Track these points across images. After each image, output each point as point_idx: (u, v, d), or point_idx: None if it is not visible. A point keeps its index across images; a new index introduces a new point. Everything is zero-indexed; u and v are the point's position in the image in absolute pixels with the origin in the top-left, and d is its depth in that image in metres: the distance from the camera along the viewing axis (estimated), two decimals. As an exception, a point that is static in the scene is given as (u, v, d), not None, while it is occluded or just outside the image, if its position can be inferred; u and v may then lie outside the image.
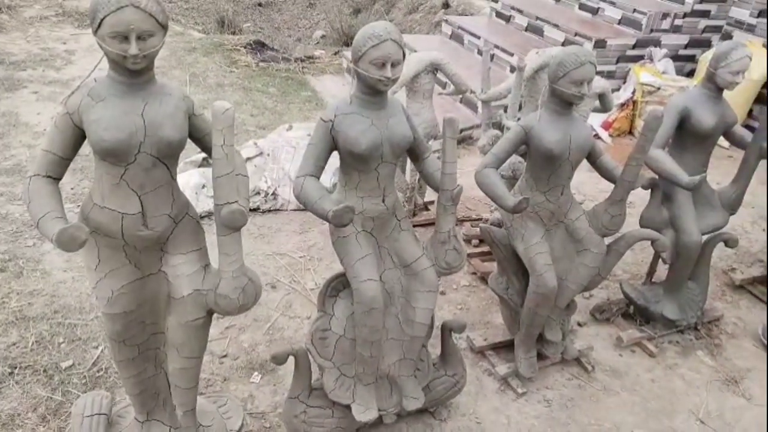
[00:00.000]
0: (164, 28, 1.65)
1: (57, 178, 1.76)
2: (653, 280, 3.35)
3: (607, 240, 2.65)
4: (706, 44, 6.15)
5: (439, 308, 3.33)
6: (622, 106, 5.59)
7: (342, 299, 2.35)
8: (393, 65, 1.98)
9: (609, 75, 5.85)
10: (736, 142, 3.03)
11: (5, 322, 2.86)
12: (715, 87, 2.81)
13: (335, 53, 8.02)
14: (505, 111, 3.33)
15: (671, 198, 2.97)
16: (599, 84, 3.17)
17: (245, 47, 7.63)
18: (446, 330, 2.50)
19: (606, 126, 5.59)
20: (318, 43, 9.81)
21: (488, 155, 2.54)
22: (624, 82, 5.88)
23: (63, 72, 6.31)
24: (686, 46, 6.08)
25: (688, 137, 2.88)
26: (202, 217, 3.95)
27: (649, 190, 3.03)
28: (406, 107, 3.67)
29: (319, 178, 2.12)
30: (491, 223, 3.68)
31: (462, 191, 2.21)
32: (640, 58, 5.84)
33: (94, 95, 1.68)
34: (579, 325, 3.26)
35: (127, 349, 1.99)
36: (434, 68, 3.47)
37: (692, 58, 6.09)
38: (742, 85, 4.93)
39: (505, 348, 2.98)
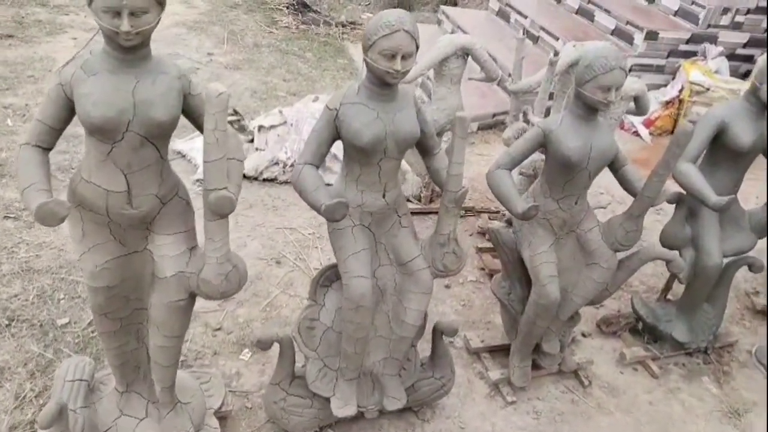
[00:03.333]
0: (160, 4, 1.59)
1: (47, 148, 1.73)
2: (668, 297, 3.20)
3: (621, 254, 2.52)
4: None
5: (442, 302, 3.27)
6: (667, 103, 5.32)
7: (334, 290, 2.30)
8: (404, 57, 1.87)
9: (658, 69, 5.56)
10: (776, 162, 2.83)
11: (11, 273, 2.91)
12: (758, 102, 2.60)
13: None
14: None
15: (696, 215, 2.80)
16: (635, 86, 2.98)
17: (288, 7, 7.50)
18: (437, 332, 2.43)
19: (647, 124, 5.34)
20: (369, 4, 9.50)
21: (503, 155, 2.43)
22: (673, 78, 5.58)
23: (103, 18, 6.31)
24: (745, 45, 5.72)
25: (722, 153, 2.70)
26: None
27: (675, 205, 2.87)
28: (433, 91, 3.58)
29: (319, 166, 2.06)
30: (507, 219, 3.57)
31: (467, 193, 2.11)
32: (693, 54, 5.52)
33: (86, 68, 1.63)
34: (583, 335, 3.15)
35: (109, 322, 1.98)
36: (465, 53, 3.32)
37: (750, 59, 5.74)
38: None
39: (502, 352, 2.90)
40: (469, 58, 3.41)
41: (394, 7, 8.80)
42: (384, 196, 2.11)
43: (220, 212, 1.73)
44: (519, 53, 3.20)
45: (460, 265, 2.24)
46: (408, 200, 3.99)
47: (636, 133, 5.33)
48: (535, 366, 2.79)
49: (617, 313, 3.25)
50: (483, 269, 3.55)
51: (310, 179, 1.96)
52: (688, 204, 2.80)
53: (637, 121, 5.31)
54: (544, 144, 2.35)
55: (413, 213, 3.96)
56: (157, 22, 1.60)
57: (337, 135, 2.02)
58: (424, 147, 2.24)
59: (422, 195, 3.93)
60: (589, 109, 2.26)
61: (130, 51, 1.61)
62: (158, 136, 1.71)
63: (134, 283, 1.95)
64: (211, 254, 1.82)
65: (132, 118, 1.63)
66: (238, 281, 1.92)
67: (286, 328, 2.84)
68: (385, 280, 2.25)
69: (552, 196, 2.42)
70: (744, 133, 2.61)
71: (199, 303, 2.97)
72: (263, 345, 2.24)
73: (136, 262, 1.90)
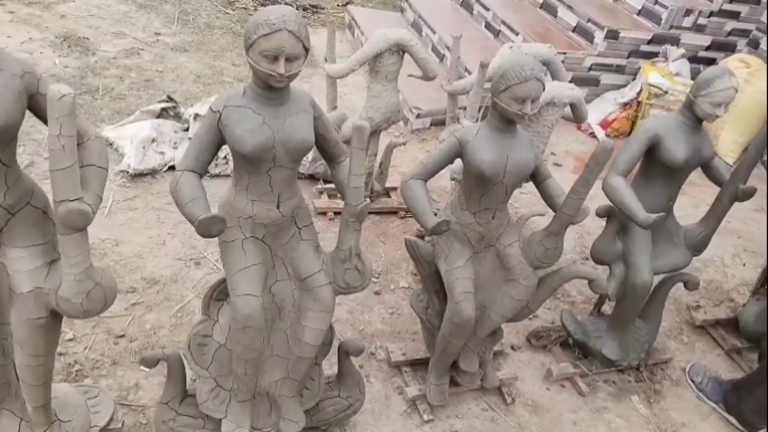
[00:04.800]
0: None
1: None
2: (601, 310, 3.09)
3: (543, 271, 2.40)
4: (731, 48, 5.68)
5: (369, 309, 3.13)
6: (625, 105, 5.20)
7: (228, 305, 2.14)
8: (288, 60, 1.70)
9: (618, 69, 5.44)
10: (713, 178, 2.72)
11: None
12: (693, 116, 2.48)
13: (344, 4, 7.57)
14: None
15: (627, 230, 2.68)
16: (569, 93, 2.83)
17: (248, -13, 7.22)
18: (342, 351, 2.28)
19: (604, 125, 5.22)
20: None
21: (417, 165, 2.28)
22: (633, 79, 5.46)
23: (47, -8, 6.00)
24: (708, 48, 5.62)
25: (656, 167, 2.58)
26: (144, 174, 3.74)
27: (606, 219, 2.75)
28: (368, 88, 3.40)
29: (202, 174, 1.89)
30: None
31: (369, 207, 1.96)
32: (654, 55, 5.40)
33: None
34: (512, 348, 3.03)
35: (-34, 339, 1.81)
36: (400, 49, 3.14)
37: (712, 62, 5.64)
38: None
39: (424, 366, 2.76)
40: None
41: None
42: (278, 207, 1.95)
43: (72, 226, 1.56)
44: (455, 53, 3.04)
45: (364, 282, 2.09)
46: (345, 199, 3.82)
47: (592, 135, 5.21)
48: (456, 383, 2.67)
49: (550, 325, 3.14)
50: (416, 275, 3.40)
51: (187, 189, 1.78)
52: (619, 218, 2.68)
53: (594, 122, 5.19)
54: (460, 155, 2.21)
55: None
56: None
57: (221, 140, 1.85)
58: (328, 155, 2.08)
59: (361, 194, 3.76)
60: (505, 120, 2.11)
61: None
62: None
63: (-9, 296, 1.77)
64: (68, 271, 1.64)
65: None
66: (104, 300, 1.74)
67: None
68: (282, 296, 2.09)
69: (469, 209, 2.28)
70: (678, 148, 2.49)
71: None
72: (148, 363, 2.09)
73: (-12, 274, 1.72)
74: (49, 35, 5.18)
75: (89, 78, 4.71)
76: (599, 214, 2.69)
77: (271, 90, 1.78)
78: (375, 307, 3.16)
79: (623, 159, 2.51)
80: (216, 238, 1.98)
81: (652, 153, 2.54)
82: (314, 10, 7.21)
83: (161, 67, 5.12)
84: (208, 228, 1.69)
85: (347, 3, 7.71)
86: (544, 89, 2.05)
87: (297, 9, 7.03)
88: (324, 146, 2.05)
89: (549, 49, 2.93)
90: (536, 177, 2.30)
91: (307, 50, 1.74)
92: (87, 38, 5.29)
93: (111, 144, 3.91)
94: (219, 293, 2.14)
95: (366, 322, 3.05)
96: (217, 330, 2.13)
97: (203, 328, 2.14)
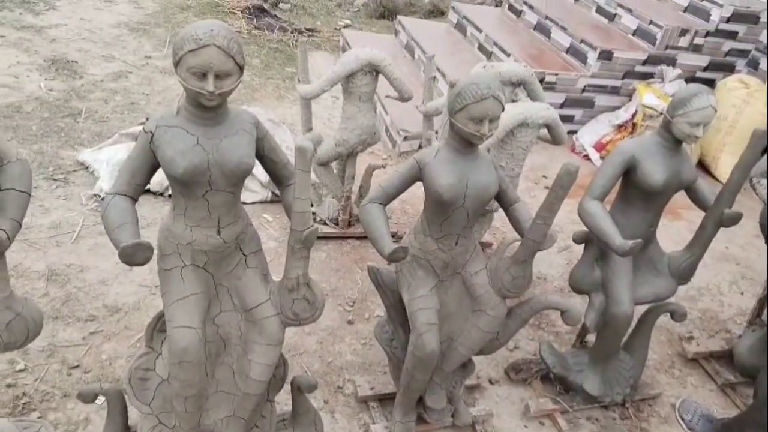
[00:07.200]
0: None
1: None
2: (585, 341, 2.93)
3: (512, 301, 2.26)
4: (729, 68, 5.55)
5: (340, 340, 2.99)
6: (620, 127, 5.07)
7: (173, 337, 2.02)
8: (218, 77, 1.60)
9: (613, 90, 5.33)
10: (698, 202, 2.58)
11: None
12: (671, 137, 2.35)
13: (336, 28, 7.54)
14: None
15: (606, 257, 2.54)
16: (543, 114, 2.71)
17: (243, 11, 7.24)
18: (295, 387, 2.15)
19: (599, 147, 5.09)
20: (358, 11, 8.96)
21: (376, 188, 2.17)
22: (630, 100, 5.34)
23: (41, 18, 6.03)
24: (705, 69, 5.49)
25: (634, 191, 2.44)
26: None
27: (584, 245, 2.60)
28: (342, 110, 3.31)
29: (135, 198, 1.79)
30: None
31: (317, 233, 1.84)
32: (650, 75, 5.29)
33: None
34: (490, 382, 2.87)
35: None
36: (373, 69, 3.06)
37: (711, 83, 5.50)
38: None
39: (393, 401, 2.61)
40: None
41: (381, 15, 8.44)
42: (219, 233, 1.84)
43: None
44: (428, 73, 2.94)
45: (314, 313, 1.97)
46: (324, 223, 3.71)
47: (586, 157, 5.08)
48: (425, 420, 2.51)
49: (531, 357, 2.98)
50: (392, 303, 3.26)
51: (115, 214, 1.68)
52: (597, 244, 2.54)
53: (587, 144, 5.06)
54: (419, 178, 2.09)
55: (330, 237, 3.72)
56: None
57: (155, 162, 1.75)
58: (276, 178, 1.98)
59: (340, 218, 3.65)
60: (464, 142, 2.00)
61: None
62: None
63: None
64: (-16, 301, 1.54)
65: None
66: (26, 332, 1.65)
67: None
68: (228, 328, 1.97)
69: (431, 235, 2.16)
70: (656, 171, 2.35)
71: (61, 335, 2.71)
72: (84, 399, 1.97)
73: None
74: (37, 59, 5.18)
75: (73, 101, 4.68)
76: (576, 240, 2.56)
77: (205, 109, 1.68)
78: (347, 337, 3.02)
79: (598, 182, 2.38)
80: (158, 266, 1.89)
81: (629, 176, 2.41)
82: (310, 33, 7.19)
83: (148, 90, 5.08)
84: (131, 256, 1.58)
85: (346, 26, 7.70)
86: (503, 109, 1.93)
87: (293, 32, 7.02)
88: (272, 169, 1.95)
89: (524, 69, 2.82)
90: (503, 201, 2.18)
91: (240, 67, 1.65)
92: (75, 61, 5.28)
93: (87, 167, 3.84)
94: (163, 324, 2.02)
95: (336, 354, 2.91)
96: (160, 364, 2.00)
97: (145, 361, 2.01)
